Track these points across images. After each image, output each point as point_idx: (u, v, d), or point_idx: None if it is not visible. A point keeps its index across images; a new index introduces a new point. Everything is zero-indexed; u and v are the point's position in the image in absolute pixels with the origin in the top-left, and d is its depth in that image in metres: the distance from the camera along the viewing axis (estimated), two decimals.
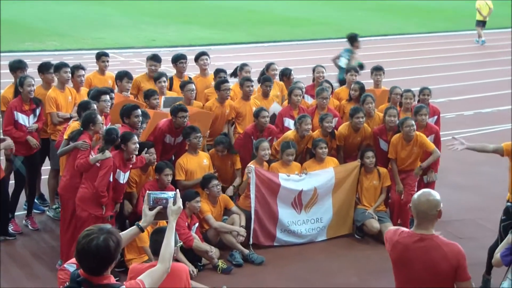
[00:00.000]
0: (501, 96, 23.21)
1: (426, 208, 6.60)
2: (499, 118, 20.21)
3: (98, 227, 5.46)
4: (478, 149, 10.97)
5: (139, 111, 11.68)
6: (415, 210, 6.65)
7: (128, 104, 12.02)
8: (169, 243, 6.10)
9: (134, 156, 11.09)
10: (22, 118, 12.21)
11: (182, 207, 6.34)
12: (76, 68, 13.17)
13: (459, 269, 6.55)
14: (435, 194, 6.73)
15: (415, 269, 6.64)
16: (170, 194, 6.35)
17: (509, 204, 8.73)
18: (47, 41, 32.17)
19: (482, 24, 36.67)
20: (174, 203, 6.25)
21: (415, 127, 12.45)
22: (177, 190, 6.46)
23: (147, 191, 6.47)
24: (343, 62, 18.29)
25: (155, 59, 14.43)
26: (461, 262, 6.55)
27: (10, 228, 12.39)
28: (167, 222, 6.28)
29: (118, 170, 10.86)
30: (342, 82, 17.46)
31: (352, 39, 18.87)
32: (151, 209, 6.29)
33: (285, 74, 15.53)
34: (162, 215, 6.31)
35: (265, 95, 14.29)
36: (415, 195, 6.77)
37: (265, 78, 14.46)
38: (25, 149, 12.38)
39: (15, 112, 12.14)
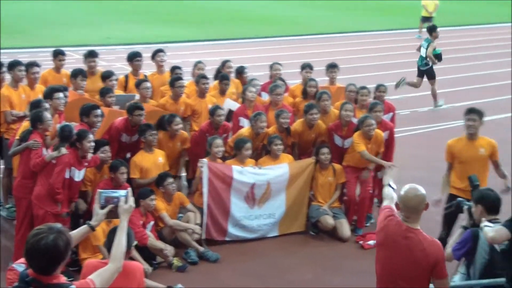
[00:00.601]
0: (455, 93, 23.50)
1: (415, 203, 6.92)
2: (454, 114, 20.35)
3: (48, 226, 5.43)
4: (444, 186, 11.27)
5: (98, 111, 11.67)
6: (404, 205, 6.95)
7: (88, 103, 11.96)
8: (120, 242, 6.07)
9: (89, 154, 11.05)
10: None
11: (134, 206, 6.32)
12: (31, 65, 13.07)
13: (437, 266, 6.83)
14: (421, 188, 7.02)
15: (396, 258, 6.96)
16: (121, 192, 6.33)
17: (461, 199, 8.85)
18: (1, 39, 31.78)
19: (427, 20, 37.31)
20: (126, 202, 6.24)
21: (375, 126, 12.54)
22: (129, 188, 6.45)
23: (98, 190, 6.46)
24: (423, 51, 21.09)
25: (93, 55, 14.35)
26: (440, 259, 6.85)
27: None
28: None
29: (72, 168, 10.80)
30: (421, 71, 21.11)
31: (431, 30, 21.46)
32: (102, 207, 6.28)
33: (239, 72, 15.56)
34: (113, 213, 6.28)
35: (222, 92, 14.31)
36: (402, 192, 7.03)
37: (223, 76, 14.47)
38: None
39: None
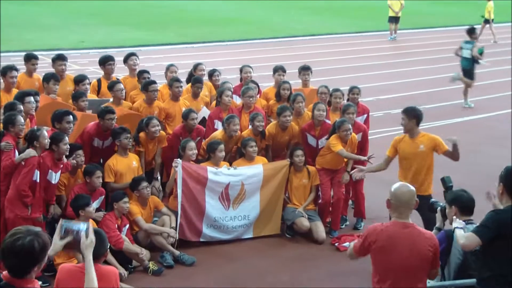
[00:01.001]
0: (426, 94, 23.64)
1: (408, 198, 7.16)
2: (426, 115, 20.48)
3: (26, 228, 5.47)
4: (373, 169, 11.92)
5: (70, 117, 11.59)
6: (397, 201, 7.15)
7: (60, 109, 11.87)
8: (90, 278, 6.14)
9: (64, 157, 11.01)
10: None
11: (94, 240, 6.33)
12: (9, 69, 13.01)
13: (435, 255, 7.13)
14: (410, 185, 7.34)
15: (401, 254, 7.06)
16: (82, 226, 6.35)
17: (434, 200, 8.93)
18: None
19: (394, 20, 37.90)
20: (87, 236, 6.24)
21: (351, 131, 12.59)
22: (89, 222, 6.47)
23: (61, 219, 6.49)
24: (466, 53, 22.19)
25: (62, 58, 14.27)
26: (437, 249, 7.15)
27: None
28: (78, 253, 6.30)
29: (50, 170, 10.77)
30: (466, 70, 22.36)
31: (470, 32, 22.60)
32: (61, 238, 6.28)
33: (211, 75, 15.55)
34: (71, 245, 6.34)
35: (195, 96, 14.30)
36: (394, 188, 7.26)
37: (195, 79, 14.44)
38: None
39: None
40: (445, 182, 8.93)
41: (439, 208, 8.40)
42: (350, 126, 12.53)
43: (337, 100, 13.69)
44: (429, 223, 10.65)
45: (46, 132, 10.74)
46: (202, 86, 14.38)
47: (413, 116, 11.17)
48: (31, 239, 5.34)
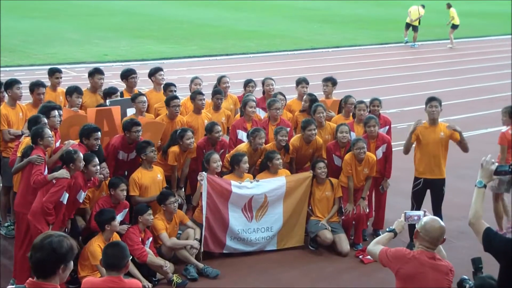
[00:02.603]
0: (451, 106, 23.51)
1: (438, 235, 7.29)
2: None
3: (57, 232, 5.67)
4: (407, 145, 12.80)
5: (99, 134, 11.67)
6: (427, 235, 7.29)
7: (89, 124, 11.92)
8: None
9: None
10: None
11: None
12: (37, 85, 13.05)
13: (450, 285, 7.36)
14: (441, 221, 7.41)
15: (426, 283, 7.26)
16: None
17: (464, 277, 8.98)
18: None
19: (413, 27, 38.57)
20: None
21: (365, 149, 12.62)
22: None
23: None
24: None
25: (100, 72, 14.39)
26: (452, 279, 7.41)
27: None
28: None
29: (80, 190, 10.85)
30: None
31: None
32: None
33: (246, 85, 15.65)
34: None
35: (216, 108, 14.30)
36: (426, 222, 7.35)
37: (215, 91, 14.46)
38: None
39: None
40: (476, 263, 8.77)
41: (467, 286, 8.34)
42: (364, 145, 12.61)
43: (361, 112, 13.63)
44: (437, 206, 12.59)
45: (82, 155, 10.73)
46: (222, 97, 14.35)
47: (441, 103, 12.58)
48: (61, 239, 5.51)
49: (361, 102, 13.84)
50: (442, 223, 7.36)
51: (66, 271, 5.57)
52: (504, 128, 13.08)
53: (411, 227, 11.01)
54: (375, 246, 7.74)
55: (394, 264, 7.38)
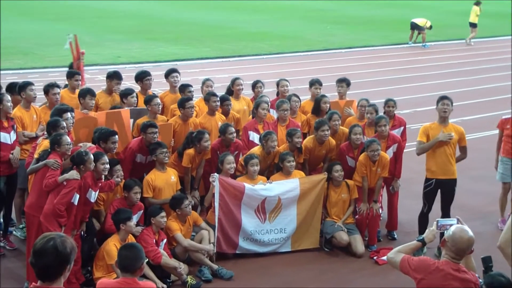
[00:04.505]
0: (464, 106, 23.44)
1: (466, 246, 7.18)
2: (465, 128, 20.35)
3: (55, 233, 5.59)
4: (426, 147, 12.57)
5: (116, 137, 11.73)
6: (454, 246, 7.16)
7: (106, 128, 11.98)
8: None
9: (103, 177, 11.10)
10: (3, 137, 12.00)
11: None
12: (51, 86, 13.06)
13: None
14: (471, 232, 7.23)
15: None
16: None
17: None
18: (12, 59, 31.90)
19: (417, 27, 39.04)
20: None
21: (380, 151, 12.60)
22: None
23: None
24: None
25: (119, 77, 14.40)
26: None
27: None
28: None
29: (90, 189, 10.86)
30: None
31: None
32: None
33: (254, 86, 15.57)
34: None
35: (225, 114, 14.22)
36: (455, 232, 7.20)
37: (223, 98, 14.33)
38: (7, 168, 12.22)
39: None
40: (486, 262, 8.75)
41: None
42: (379, 147, 12.56)
43: (369, 115, 13.64)
44: (446, 206, 12.62)
45: (92, 157, 10.74)
46: (230, 103, 14.32)
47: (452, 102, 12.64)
48: (63, 239, 5.45)
49: (371, 105, 13.80)
50: (471, 233, 7.19)
51: (70, 268, 5.56)
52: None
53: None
54: (396, 254, 7.55)
55: (417, 273, 7.26)
